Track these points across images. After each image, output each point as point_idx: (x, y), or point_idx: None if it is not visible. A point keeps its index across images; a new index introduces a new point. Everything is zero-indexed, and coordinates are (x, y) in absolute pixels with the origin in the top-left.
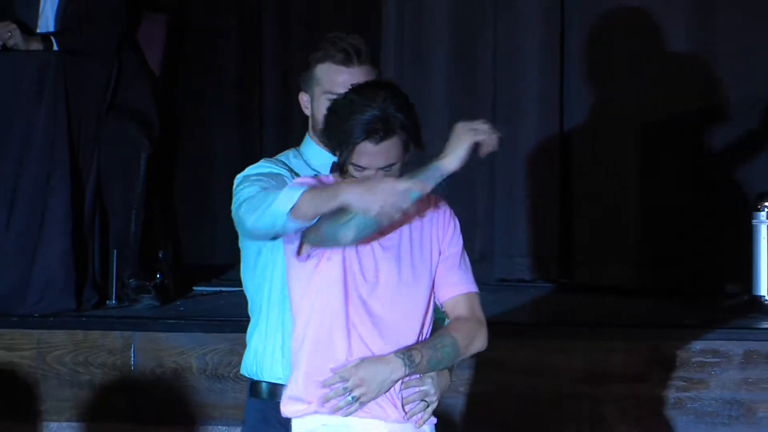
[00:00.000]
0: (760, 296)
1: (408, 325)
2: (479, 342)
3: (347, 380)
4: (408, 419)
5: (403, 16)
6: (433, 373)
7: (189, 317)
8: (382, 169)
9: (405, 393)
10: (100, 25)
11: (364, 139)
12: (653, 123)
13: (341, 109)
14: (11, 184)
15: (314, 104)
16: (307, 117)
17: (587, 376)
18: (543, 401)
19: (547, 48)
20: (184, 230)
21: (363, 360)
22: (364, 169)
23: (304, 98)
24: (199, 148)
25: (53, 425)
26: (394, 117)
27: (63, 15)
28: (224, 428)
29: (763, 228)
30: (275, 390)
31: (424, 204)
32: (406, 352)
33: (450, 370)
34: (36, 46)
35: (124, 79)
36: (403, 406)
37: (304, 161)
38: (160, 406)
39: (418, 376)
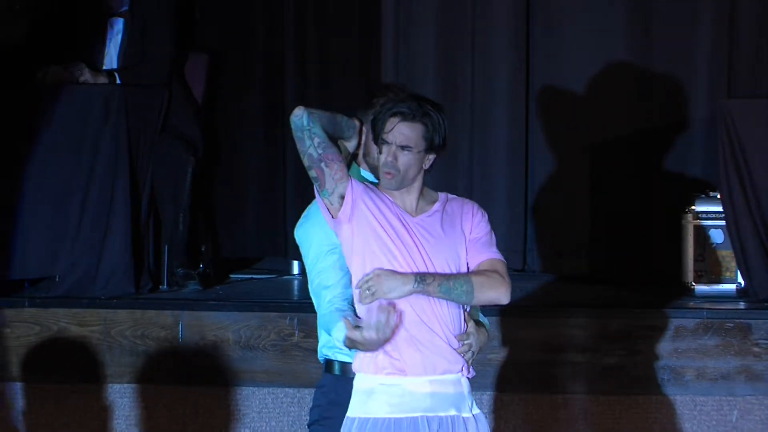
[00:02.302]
0: (688, 282)
1: (445, 304)
2: (498, 292)
3: (370, 279)
4: (463, 367)
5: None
6: (473, 330)
7: (226, 299)
8: (400, 147)
9: (456, 345)
10: (154, 64)
11: (393, 114)
12: (601, 140)
13: (388, 101)
14: (82, 191)
15: (367, 135)
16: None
17: (548, 347)
18: (512, 367)
19: (515, 80)
20: (222, 229)
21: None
22: (388, 144)
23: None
24: (234, 164)
25: (116, 386)
26: (423, 110)
27: (124, 55)
28: (254, 389)
29: (690, 227)
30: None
31: (458, 204)
32: (420, 274)
33: (487, 331)
34: (102, 80)
35: (173, 107)
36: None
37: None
38: (203, 371)
39: (463, 327)
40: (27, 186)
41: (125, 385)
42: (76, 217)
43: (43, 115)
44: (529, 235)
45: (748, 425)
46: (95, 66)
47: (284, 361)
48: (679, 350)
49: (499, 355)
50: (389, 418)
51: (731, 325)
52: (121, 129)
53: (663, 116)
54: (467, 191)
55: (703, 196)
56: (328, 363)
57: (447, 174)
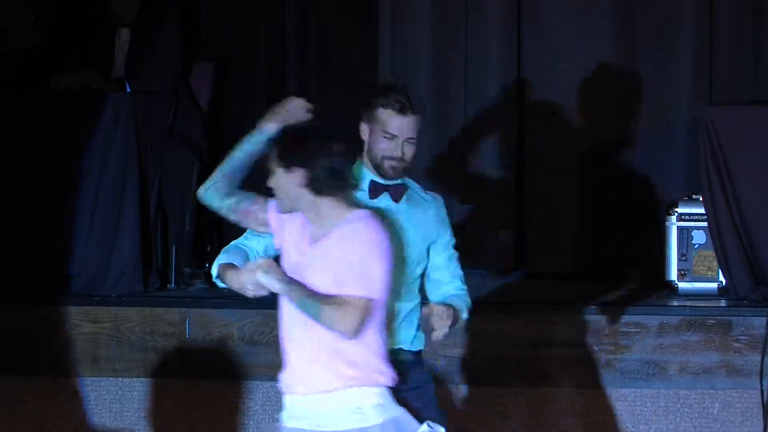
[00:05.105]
0: (671, 281)
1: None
2: (340, 328)
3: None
4: (363, 378)
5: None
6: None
7: (231, 297)
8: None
9: (350, 357)
10: (161, 72)
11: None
12: (589, 144)
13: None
14: (93, 193)
15: (372, 137)
16: (362, 141)
17: (536, 342)
18: (503, 361)
19: (506, 85)
20: (227, 230)
21: None
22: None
23: (363, 127)
24: None
25: (126, 380)
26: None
27: (132, 63)
28: (258, 383)
29: (673, 228)
30: None
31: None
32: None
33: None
34: (112, 87)
35: (180, 113)
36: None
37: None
38: (209, 366)
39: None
40: (45, 188)
41: (134, 379)
42: (87, 217)
43: (56, 120)
44: (519, 234)
45: (729, 417)
46: (105, 74)
47: None
48: (663, 346)
49: (490, 350)
50: (292, 428)
51: (713, 321)
52: (131, 134)
53: (648, 121)
54: (461, 190)
55: (686, 198)
56: None
57: (441, 174)
